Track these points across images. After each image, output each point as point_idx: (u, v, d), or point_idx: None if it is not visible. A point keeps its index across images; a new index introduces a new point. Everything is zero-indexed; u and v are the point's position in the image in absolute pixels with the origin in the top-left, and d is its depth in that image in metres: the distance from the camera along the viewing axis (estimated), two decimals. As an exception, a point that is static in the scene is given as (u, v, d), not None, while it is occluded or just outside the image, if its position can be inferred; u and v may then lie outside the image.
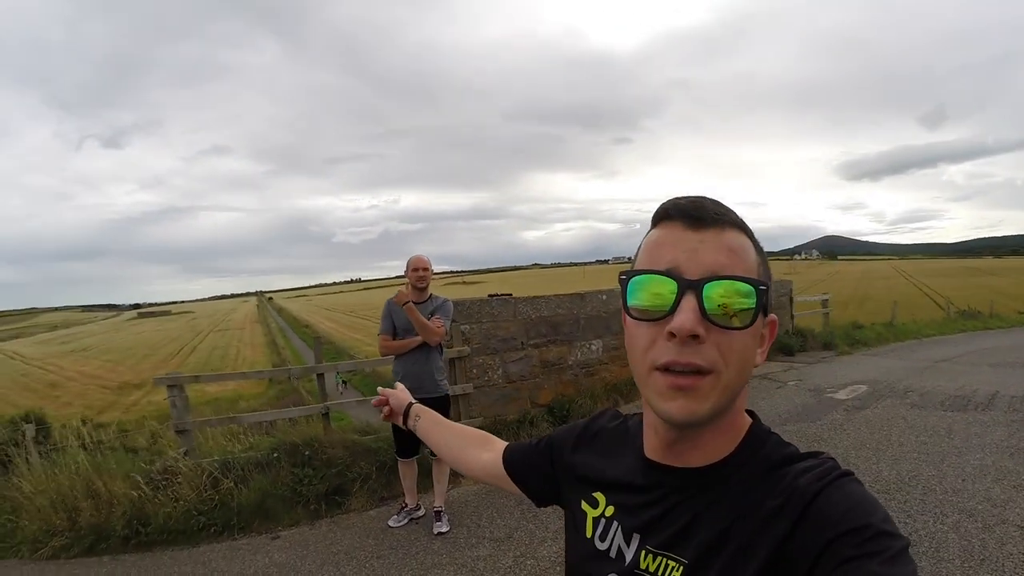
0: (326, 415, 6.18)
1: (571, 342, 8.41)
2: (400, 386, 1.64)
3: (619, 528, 0.94)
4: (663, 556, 0.86)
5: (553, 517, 5.08)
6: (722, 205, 0.85)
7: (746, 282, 0.78)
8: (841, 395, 9.18)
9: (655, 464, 0.91)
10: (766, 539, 0.75)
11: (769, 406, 8.64)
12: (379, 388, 1.63)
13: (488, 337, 7.16)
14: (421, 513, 5.20)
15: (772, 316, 0.85)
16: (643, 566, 0.88)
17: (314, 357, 6.80)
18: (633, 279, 0.84)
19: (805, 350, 13.75)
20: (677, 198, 0.85)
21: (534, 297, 7.92)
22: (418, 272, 4.86)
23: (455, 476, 5.55)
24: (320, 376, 6.40)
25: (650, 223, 0.89)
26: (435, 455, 5.00)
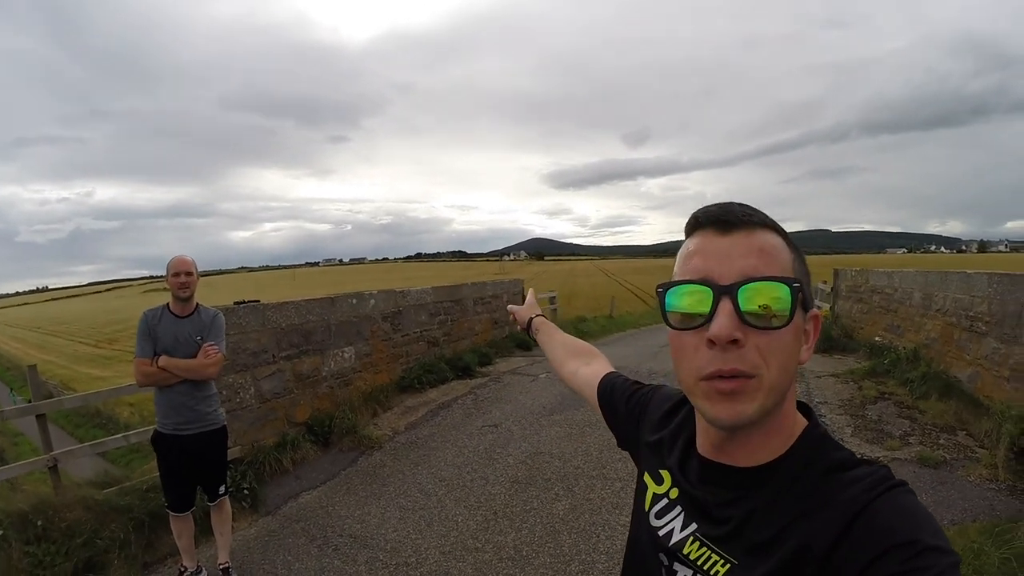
0: (54, 468, 4.96)
1: (324, 351, 8.00)
2: (529, 298, 2.05)
3: (682, 513, 0.98)
4: (711, 550, 0.89)
5: (356, 547, 4.74)
6: (750, 207, 0.88)
7: (780, 281, 0.83)
8: (592, 382, 9.80)
9: (708, 462, 0.95)
10: (814, 549, 0.77)
11: (530, 400, 9.07)
12: (509, 307, 2.05)
13: (237, 351, 6.44)
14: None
15: (814, 311, 0.90)
16: (686, 551, 0.93)
17: (31, 391, 5.32)
18: (670, 290, 0.90)
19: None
20: (707, 206, 0.90)
21: (283, 303, 7.33)
22: (180, 278, 4.02)
23: (235, 518, 4.89)
24: (41, 417, 5.03)
25: (684, 234, 0.94)
26: (212, 503, 4.30)
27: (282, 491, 5.92)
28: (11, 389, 23.73)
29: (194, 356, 4.03)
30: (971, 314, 7.90)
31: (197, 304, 4.20)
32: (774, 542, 0.81)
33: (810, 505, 0.80)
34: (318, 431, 7.24)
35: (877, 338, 11.71)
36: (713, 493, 0.92)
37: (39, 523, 4.47)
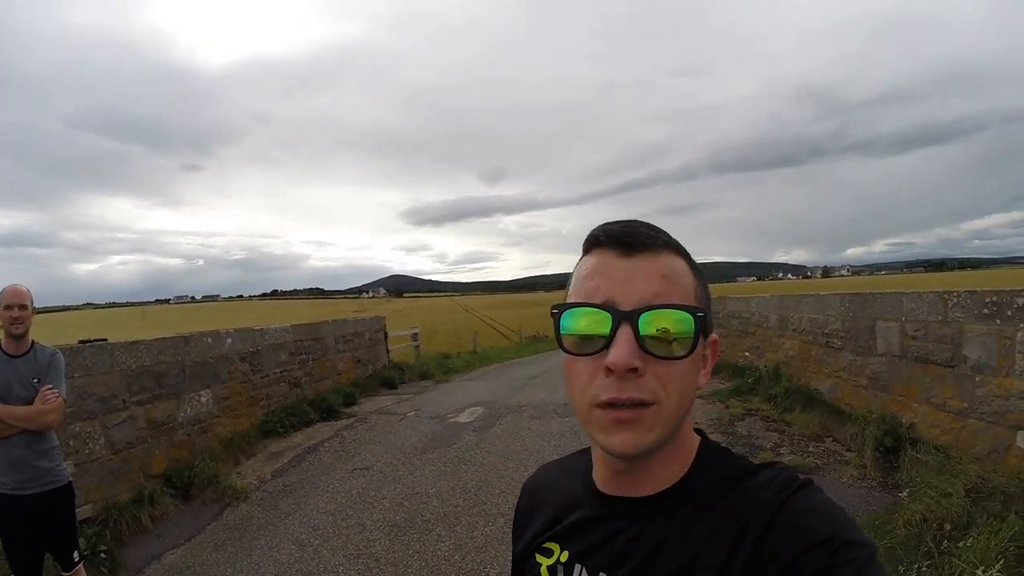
0: None
1: (179, 395, 7.55)
2: None
3: (583, 570, 0.91)
4: None
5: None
6: (654, 228, 0.87)
7: (683, 310, 0.81)
8: (463, 418, 10.17)
9: (609, 497, 0.91)
10: (734, 560, 0.77)
11: (400, 439, 9.02)
12: None
13: (84, 396, 5.95)
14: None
15: (713, 336, 0.88)
16: None
17: None
18: (566, 312, 0.85)
19: (405, 381, 14.98)
20: (608, 223, 0.87)
21: (133, 342, 6.88)
22: (12, 311, 3.60)
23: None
24: None
25: (581, 250, 0.90)
26: (67, 573, 3.87)
27: (143, 551, 5.49)
28: None
29: (31, 402, 3.60)
30: (826, 331, 8.67)
31: (33, 342, 3.77)
32: (691, 567, 0.79)
33: (722, 519, 0.80)
34: (177, 483, 6.79)
35: (739, 359, 12.42)
36: (617, 531, 0.88)
37: None
